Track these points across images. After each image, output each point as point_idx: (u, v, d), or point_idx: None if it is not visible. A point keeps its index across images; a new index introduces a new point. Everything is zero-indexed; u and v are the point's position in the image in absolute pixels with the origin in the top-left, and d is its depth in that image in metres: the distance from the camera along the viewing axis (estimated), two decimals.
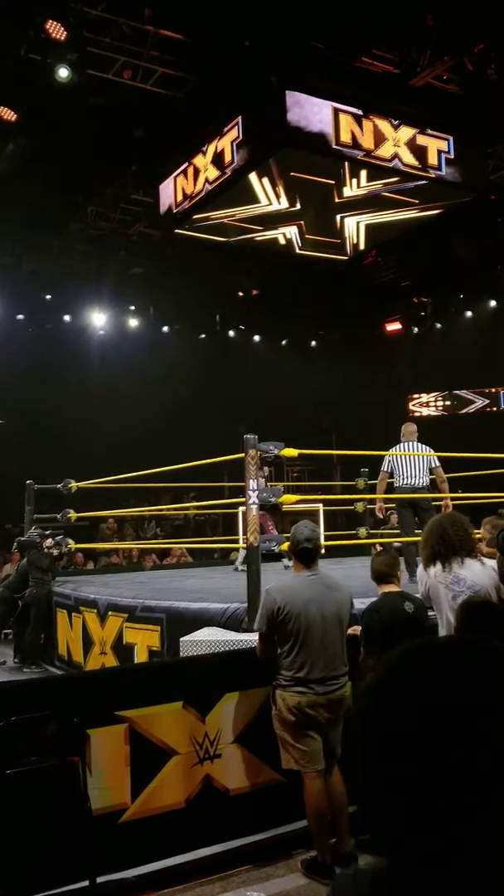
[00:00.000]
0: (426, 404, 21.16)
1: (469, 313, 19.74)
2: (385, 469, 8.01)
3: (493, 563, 4.07)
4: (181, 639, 5.24)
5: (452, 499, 8.07)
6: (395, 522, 10.96)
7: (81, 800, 3.25)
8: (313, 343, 21.66)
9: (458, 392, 20.63)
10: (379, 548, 7.36)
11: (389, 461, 7.98)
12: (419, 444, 8.02)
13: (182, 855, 3.79)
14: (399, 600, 4.26)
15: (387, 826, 0.77)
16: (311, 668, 3.84)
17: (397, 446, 8.10)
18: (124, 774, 3.60)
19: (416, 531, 7.35)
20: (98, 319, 17.67)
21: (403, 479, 7.83)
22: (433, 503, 8.01)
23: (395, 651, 0.85)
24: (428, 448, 8.00)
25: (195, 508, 15.10)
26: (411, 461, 7.84)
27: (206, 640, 5.06)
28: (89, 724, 3.55)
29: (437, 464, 7.90)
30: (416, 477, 7.77)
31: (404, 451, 7.96)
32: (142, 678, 4.12)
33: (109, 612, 7.31)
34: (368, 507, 10.22)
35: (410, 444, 8.03)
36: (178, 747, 3.81)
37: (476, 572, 3.95)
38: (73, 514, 10.12)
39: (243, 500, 6.20)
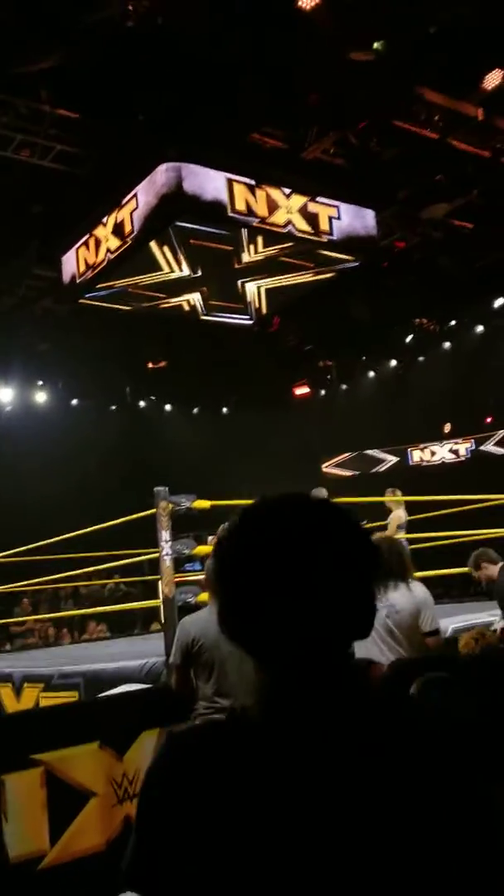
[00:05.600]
0: (338, 465, 21.63)
1: (372, 374, 20.50)
2: None
3: (421, 588, 4.36)
4: (97, 696, 5.17)
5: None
6: None
7: None
8: (225, 410, 22.00)
9: (368, 452, 21.17)
10: None
11: None
12: None
13: None
14: None
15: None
16: (229, 696, 3.85)
17: None
18: (42, 820, 3.51)
19: None
20: (4, 396, 17.54)
21: None
22: None
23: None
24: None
25: (100, 577, 14.86)
26: None
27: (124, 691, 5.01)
28: (3, 769, 3.46)
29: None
30: None
31: None
32: (56, 720, 4.05)
33: (25, 684, 7.10)
34: None
35: None
36: (96, 788, 3.74)
37: (401, 595, 4.25)
38: None
39: (156, 553, 6.24)
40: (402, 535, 9.02)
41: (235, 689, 3.87)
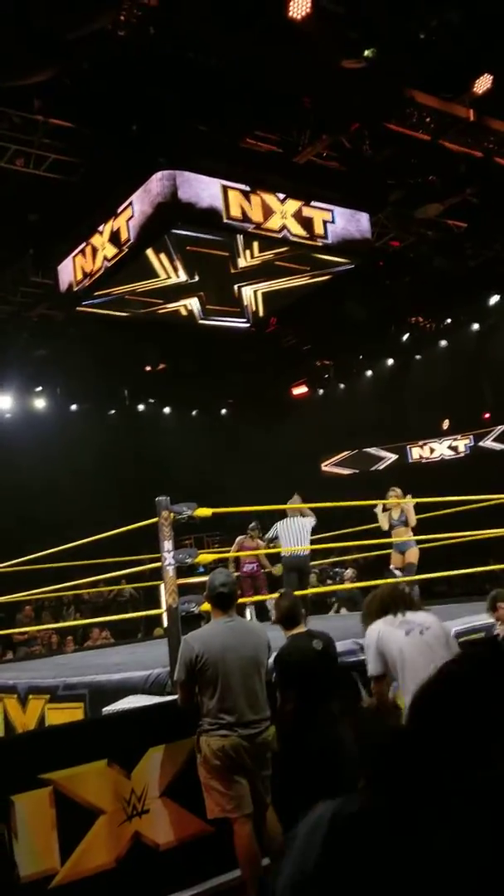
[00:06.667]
0: (337, 464, 21.68)
1: (369, 372, 20.56)
2: (270, 535, 9.06)
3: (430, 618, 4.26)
4: (103, 709, 5.20)
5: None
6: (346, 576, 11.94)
7: (9, 867, 3.20)
8: (223, 412, 22.04)
9: (367, 450, 21.22)
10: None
11: (276, 530, 8.91)
12: (302, 519, 8.84)
13: None
14: (307, 640, 4.41)
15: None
16: (233, 712, 3.88)
17: (286, 519, 8.89)
18: (51, 838, 3.54)
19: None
20: (3, 403, 17.57)
21: (290, 546, 8.65)
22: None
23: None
24: (311, 519, 8.87)
25: (105, 585, 14.87)
26: (297, 532, 8.71)
27: (129, 707, 5.03)
28: (13, 790, 3.50)
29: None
30: (300, 544, 8.63)
31: (291, 524, 8.81)
32: (63, 739, 4.08)
33: (30, 696, 7.12)
34: None
35: (296, 518, 8.84)
36: (104, 806, 3.77)
37: (423, 616, 4.13)
38: None
39: (159, 563, 6.26)
40: (411, 535, 8.92)
41: (240, 704, 3.90)
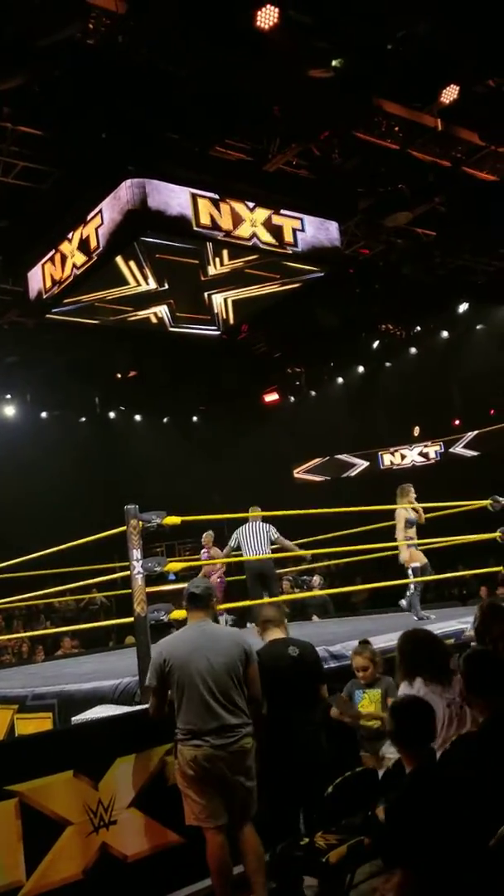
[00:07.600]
0: (309, 471, 21.74)
1: (340, 380, 20.67)
2: (232, 544, 9.15)
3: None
4: (72, 719, 5.16)
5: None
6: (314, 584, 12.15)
7: None
8: (195, 419, 22.01)
9: (338, 457, 21.31)
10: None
11: (236, 537, 9.07)
12: (261, 524, 9.00)
13: None
14: (283, 646, 4.41)
15: None
16: (203, 720, 3.83)
17: (245, 525, 9.05)
18: (17, 850, 3.51)
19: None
20: None
21: (249, 552, 8.83)
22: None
23: None
24: (269, 525, 9.00)
25: (76, 593, 14.77)
26: (254, 537, 8.89)
27: (95, 718, 4.99)
28: None
29: (277, 535, 8.97)
30: (260, 550, 8.82)
31: (250, 530, 8.98)
32: (29, 750, 4.04)
33: None
34: None
35: (255, 523, 8.99)
36: (71, 817, 3.74)
37: (456, 684, 3.85)
38: None
39: (128, 572, 6.22)
40: (413, 538, 8.82)
41: (209, 711, 3.84)
